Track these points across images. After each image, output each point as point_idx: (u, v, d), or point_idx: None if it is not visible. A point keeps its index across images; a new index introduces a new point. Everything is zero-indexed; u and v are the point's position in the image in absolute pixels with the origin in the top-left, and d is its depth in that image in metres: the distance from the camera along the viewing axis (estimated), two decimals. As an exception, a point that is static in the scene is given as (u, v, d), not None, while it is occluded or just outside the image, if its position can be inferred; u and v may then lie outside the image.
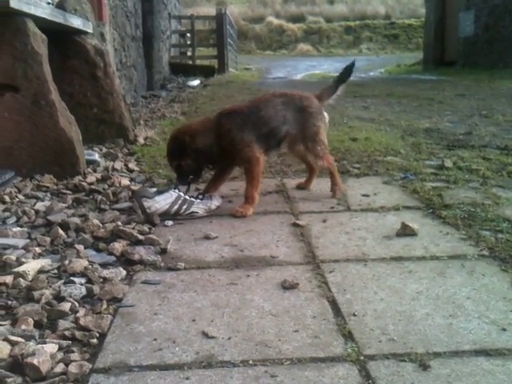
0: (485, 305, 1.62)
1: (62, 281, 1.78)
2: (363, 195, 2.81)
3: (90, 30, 3.96)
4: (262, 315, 1.57)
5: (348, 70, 2.93)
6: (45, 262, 1.90)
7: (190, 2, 25.86)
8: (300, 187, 3.02)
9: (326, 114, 2.87)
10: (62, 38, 3.72)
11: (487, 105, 6.35)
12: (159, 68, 10.20)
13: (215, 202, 2.62)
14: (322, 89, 2.94)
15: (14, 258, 1.92)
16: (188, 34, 14.07)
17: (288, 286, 1.75)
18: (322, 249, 2.10)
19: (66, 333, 1.44)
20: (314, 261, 1.98)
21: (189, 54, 13.86)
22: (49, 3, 3.56)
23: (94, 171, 3.27)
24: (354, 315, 1.56)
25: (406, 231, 2.22)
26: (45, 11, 3.00)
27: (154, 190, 2.65)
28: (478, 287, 1.74)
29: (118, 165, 3.45)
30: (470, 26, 12.15)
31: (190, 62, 13.21)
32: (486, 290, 1.71)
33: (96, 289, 1.72)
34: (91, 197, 2.77)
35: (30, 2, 2.82)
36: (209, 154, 2.63)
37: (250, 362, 1.33)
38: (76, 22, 3.60)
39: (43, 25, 3.08)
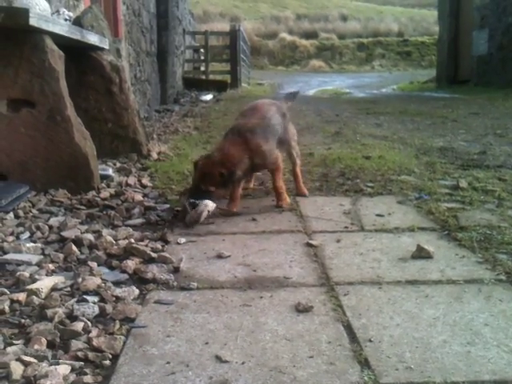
0: (503, 332, 1.58)
1: (75, 299, 1.77)
2: (377, 215, 2.78)
3: (107, 47, 4.00)
4: (275, 339, 1.54)
5: (294, 95, 3.62)
6: (58, 280, 1.90)
7: (204, 18, 26.17)
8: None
9: None
10: (78, 54, 3.76)
11: (501, 124, 6.31)
12: (173, 83, 10.28)
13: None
14: (282, 98, 3.48)
15: (27, 274, 1.92)
16: (202, 50, 14.22)
17: (302, 309, 1.72)
18: (336, 270, 2.08)
19: (79, 353, 1.43)
20: (328, 283, 1.96)
21: (202, 68, 14.00)
22: (66, 20, 3.61)
23: (108, 186, 3.28)
24: (370, 341, 1.53)
25: (421, 253, 2.20)
26: (63, 28, 3.04)
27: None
28: (496, 313, 1.70)
29: (132, 180, 3.45)
30: (483, 45, 12.13)
31: (204, 77, 13.32)
32: (503, 317, 1.68)
33: (109, 308, 1.71)
34: (105, 212, 2.77)
35: (49, 20, 2.87)
36: (245, 173, 2.87)
37: (265, 388, 1.31)
38: (93, 39, 3.64)
39: (60, 41, 3.12)
